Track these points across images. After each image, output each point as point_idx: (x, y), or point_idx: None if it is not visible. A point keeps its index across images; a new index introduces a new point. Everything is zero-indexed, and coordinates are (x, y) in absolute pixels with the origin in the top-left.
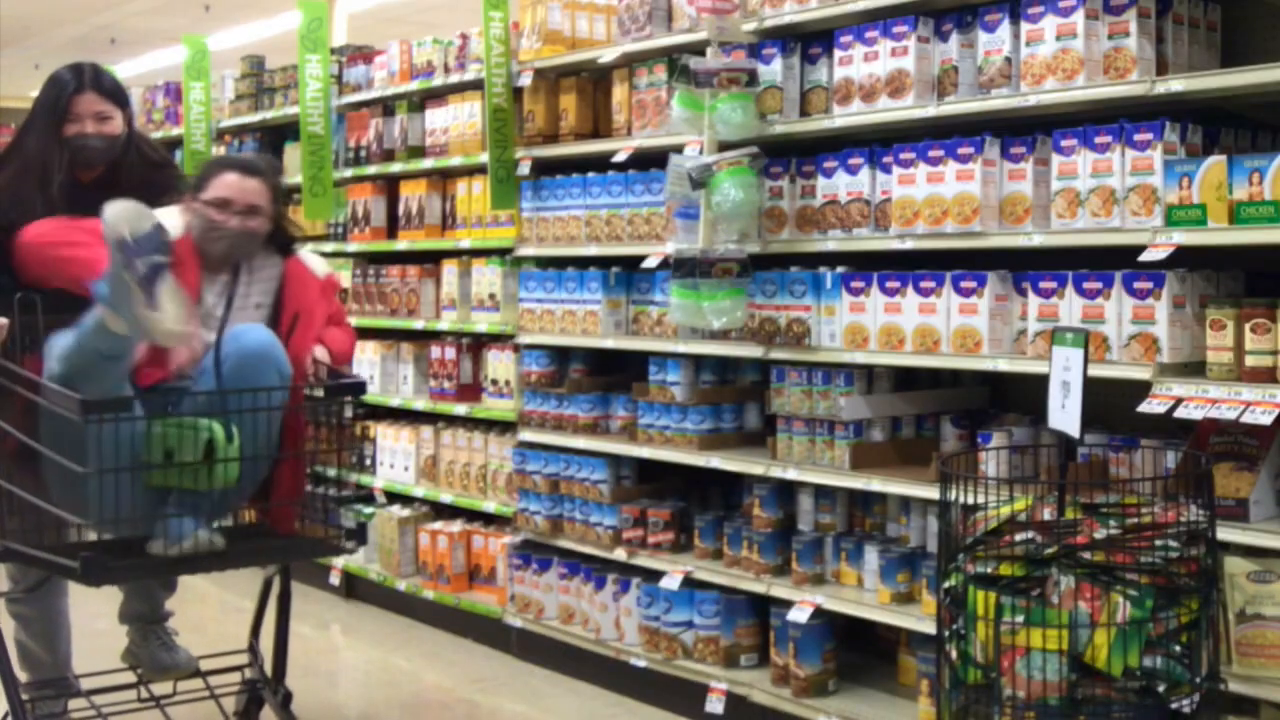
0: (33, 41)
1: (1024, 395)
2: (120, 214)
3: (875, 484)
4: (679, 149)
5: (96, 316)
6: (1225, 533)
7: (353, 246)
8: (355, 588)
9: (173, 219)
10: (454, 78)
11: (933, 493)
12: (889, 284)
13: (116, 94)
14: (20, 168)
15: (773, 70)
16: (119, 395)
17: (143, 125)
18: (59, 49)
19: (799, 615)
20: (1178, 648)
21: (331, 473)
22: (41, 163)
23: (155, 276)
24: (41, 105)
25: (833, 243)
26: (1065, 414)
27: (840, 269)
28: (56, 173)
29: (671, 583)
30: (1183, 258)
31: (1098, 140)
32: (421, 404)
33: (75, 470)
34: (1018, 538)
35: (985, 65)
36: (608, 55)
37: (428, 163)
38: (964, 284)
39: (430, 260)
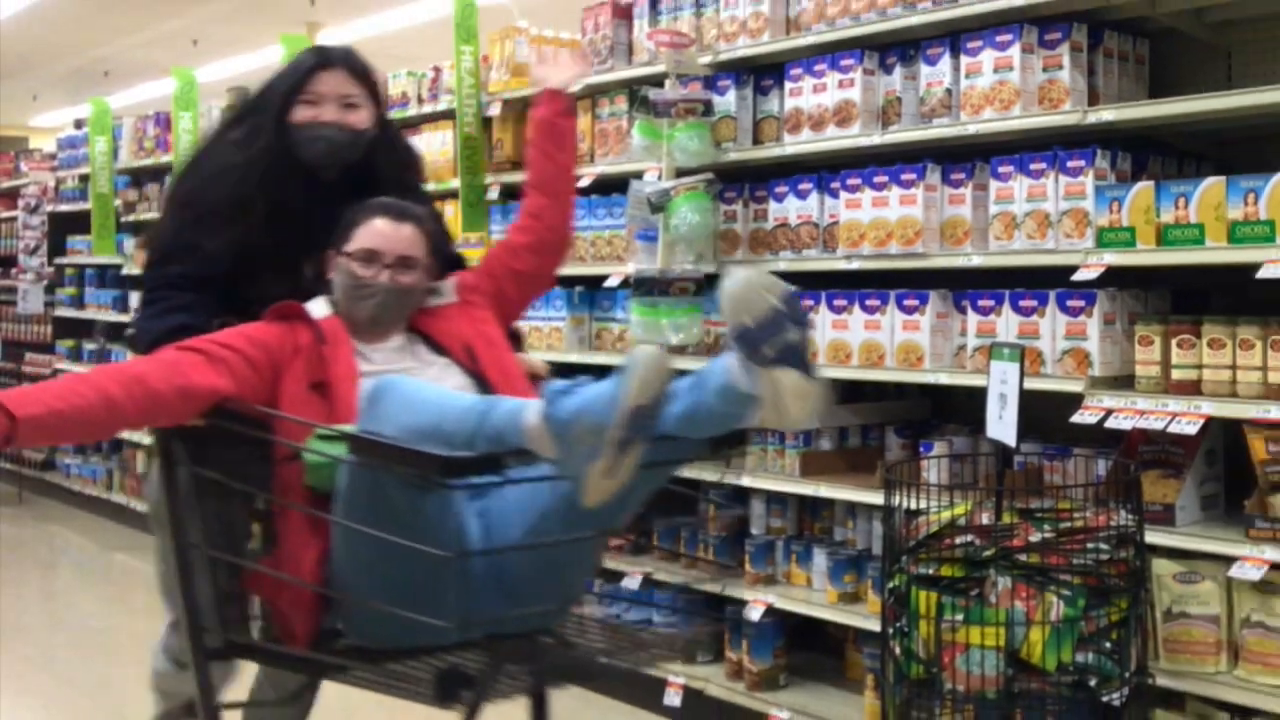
0: (31, 73)
1: (964, 407)
2: (739, 298)
3: (823, 490)
4: (639, 175)
5: (724, 371)
6: (1153, 536)
7: None
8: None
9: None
10: (427, 108)
11: (878, 498)
12: (836, 302)
13: (368, 80)
14: (215, 171)
15: (727, 101)
16: (485, 453)
17: (134, 153)
18: (56, 80)
19: (753, 613)
20: (1108, 644)
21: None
22: (246, 160)
23: (793, 357)
24: (270, 87)
25: (783, 263)
26: (1002, 424)
27: (792, 288)
28: (260, 170)
29: (631, 582)
30: (1113, 277)
31: (1033, 167)
32: None
33: (431, 555)
34: (958, 541)
35: (927, 96)
36: (573, 86)
37: None
38: (907, 302)
39: None
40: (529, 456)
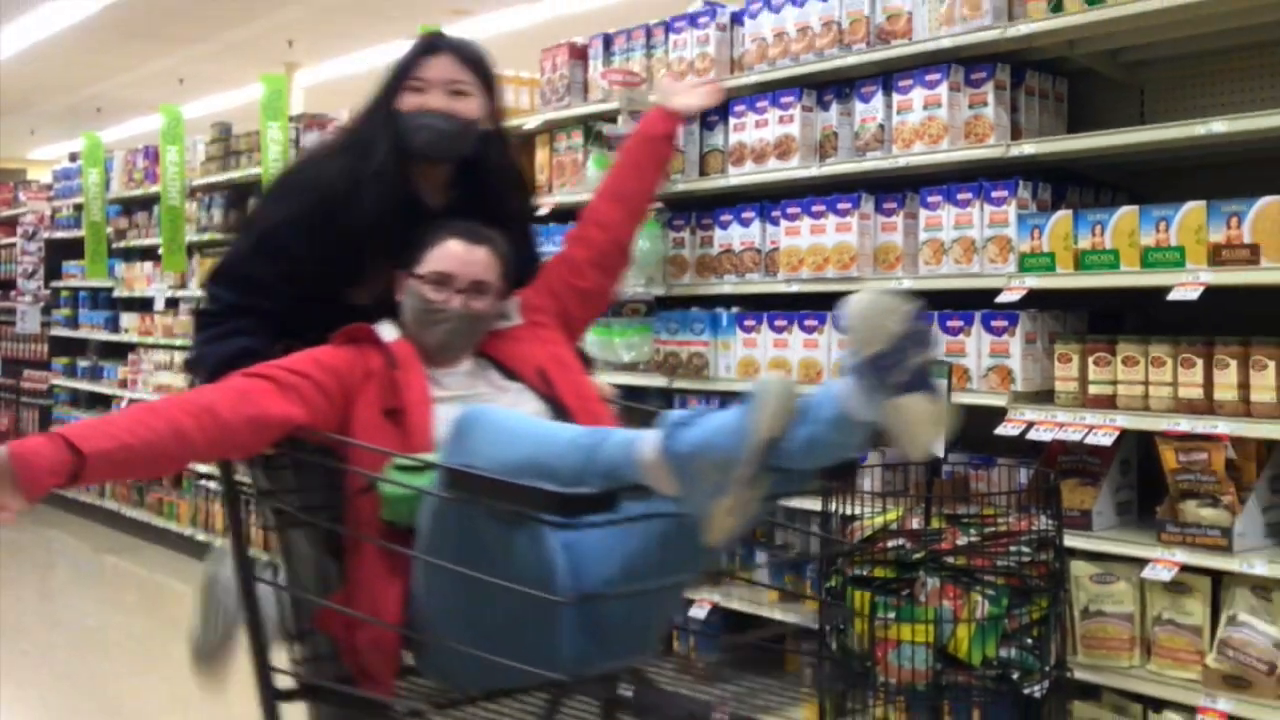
0: (29, 110)
1: None
2: (865, 324)
3: None
4: None
5: (838, 399)
6: (1071, 540)
7: None
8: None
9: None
10: None
11: (816, 504)
12: (777, 323)
13: (480, 68)
14: (335, 158)
15: (677, 135)
16: (602, 490)
17: (124, 183)
18: (52, 116)
19: (699, 612)
20: (1030, 640)
21: None
22: (364, 150)
23: (920, 381)
24: (382, 81)
25: (728, 286)
26: None
27: (735, 310)
28: (379, 163)
29: None
30: (1034, 299)
31: (960, 197)
32: None
33: (543, 599)
34: (890, 544)
35: (861, 131)
36: (531, 122)
37: None
38: None
39: None
40: (644, 493)
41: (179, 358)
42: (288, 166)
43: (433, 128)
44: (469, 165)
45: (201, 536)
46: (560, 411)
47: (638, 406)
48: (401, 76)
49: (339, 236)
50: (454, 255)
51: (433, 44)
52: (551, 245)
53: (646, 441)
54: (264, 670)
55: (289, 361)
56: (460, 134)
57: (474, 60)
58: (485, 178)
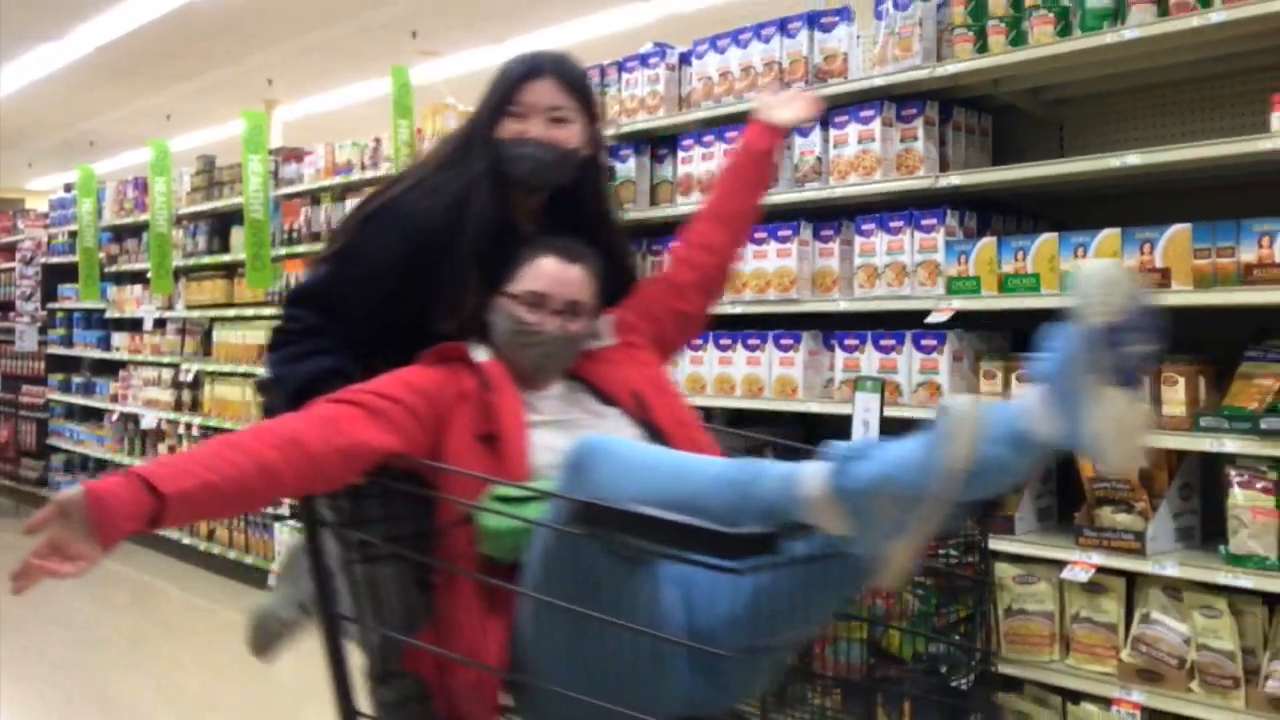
0: (27, 143)
1: (832, 432)
2: (1103, 287)
3: None
4: None
5: (1018, 416)
6: (996, 543)
7: None
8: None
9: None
10: (369, 173)
11: None
12: (722, 342)
13: (582, 90)
14: (431, 186)
15: (628, 168)
16: (766, 530)
17: (115, 212)
18: (48, 149)
19: None
20: (957, 636)
21: None
22: (464, 180)
23: (1132, 374)
24: (481, 104)
25: None
26: None
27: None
28: (480, 194)
29: None
30: (961, 320)
31: (892, 225)
32: None
33: (693, 648)
34: None
35: (800, 163)
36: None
37: None
38: (783, 342)
39: None
40: (807, 532)
41: (166, 374)
42: (381, 190)
43: (533, 158)
44: (564, 191)
45: (188, 540)
46: (657, 438)
47: (730, 431)
48: (502, 101)
49: (434, 266)
50: (549, 274)
51: (534, 67)
52: None
53: (810, 476)
54: (349, 714)
55: (378, 385)
56: (560, 163)
57: (575, 84)
58: (580, 203)
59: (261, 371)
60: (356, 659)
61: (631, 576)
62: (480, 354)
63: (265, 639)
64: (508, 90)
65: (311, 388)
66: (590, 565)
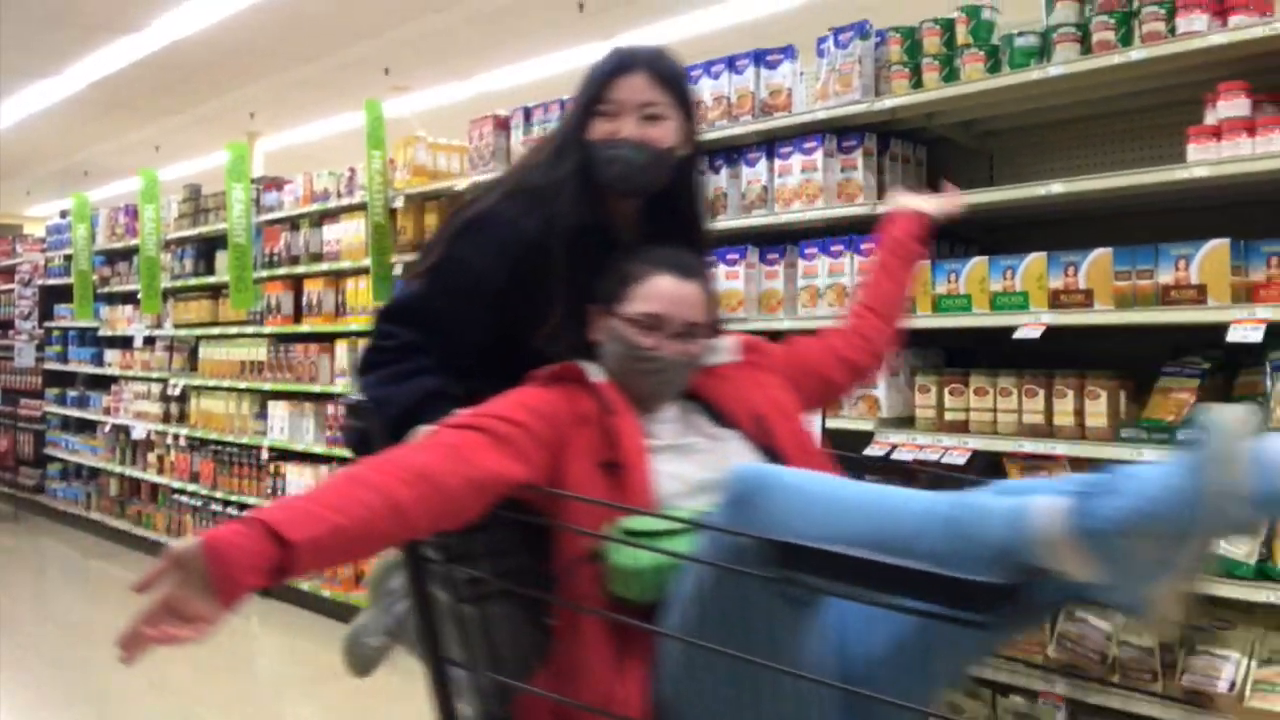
0: (25, 173)
1: None
2: (1232, 458)
3: None
4: None
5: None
6: None
7: (268, 329)
8: (270, 589)
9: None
10: (345, 201)
11: None
12: None
13: (677, 85)
14: (524, 193)
15: None
16: (1008, 580)
17: (108, 237)
18: (45, 178)
19: None
20: None
21: None
22: (553, 185)
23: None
24: (572, 103)
25: None
26: None
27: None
28: (570, 201)
29: None
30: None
31: (833, 249)
32: (320, 448)
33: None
34: None
35: (748, 191)
36: (461, 184)
37: (324, 266)
38: None
39: (327, 340)
40: (1042, 576)
41: (155, 389)
42: (473, 201)
43: (625, 160)
44: (662, 194)
45: (175, 543)
46: (777, 464)
47: (851, 456)
48: (591, 100)
49: (533, 278)
50: (665, 295)
51: (625, 62)
52: None
53: (1043, 514)
54: None
55: (497, 408)
56: (654, 165)
57: (669, 78)
58: (679, 206)
59: (239, 387)
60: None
61: (799, 620)
62: (595, 374)
63: (359, 663)
64: (598, 87)
65: (417, 411)
66: (760, 608)
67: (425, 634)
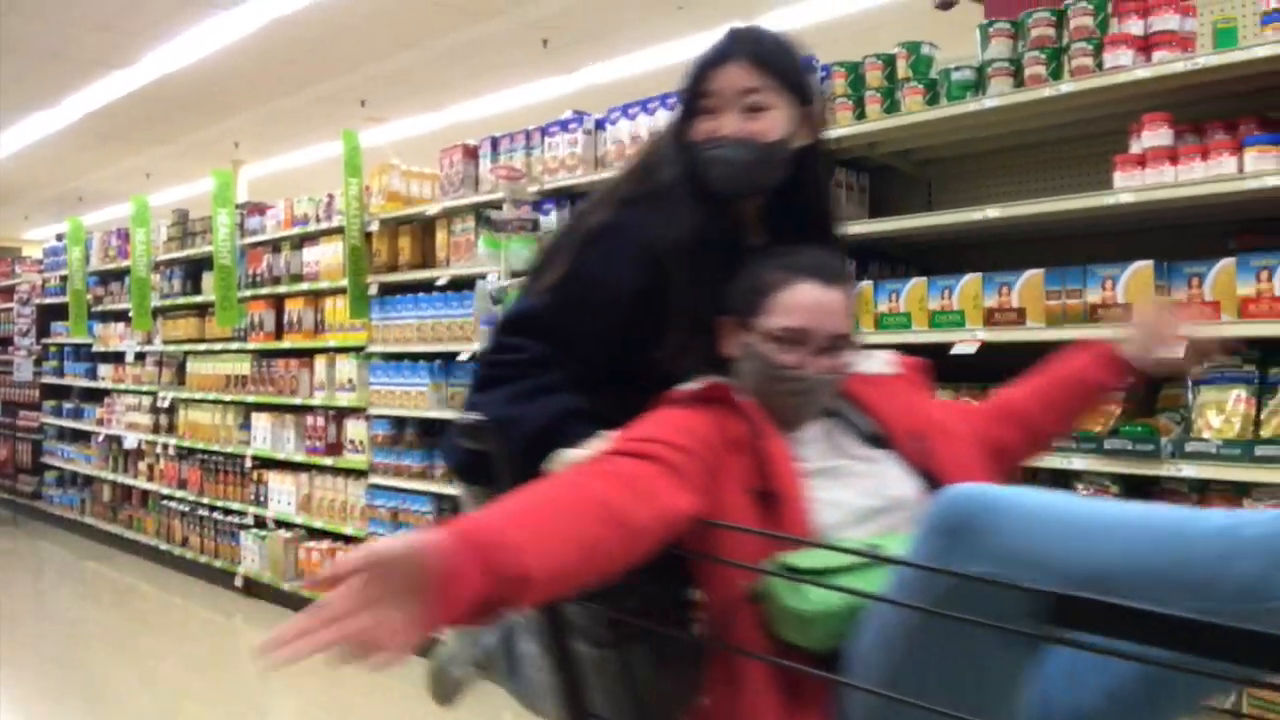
0: (24, 199)
1: None
2: None
3: None
4: (484, 276)
5: None
6: None
7: (251, 345)
8: (253, 588)
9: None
10: (323, 225)
11: None
12: None
13: (782, 68)
14: (643, 200)
15: (550, 219)
16: None
17: (101, 259)
18: (43, 204)
19: None
20: None
21: None
22: (666, 191)
23: None
24: (676, 101)
25: None
26: None
27: None
28: (682, 207)
29: None
30: None
31: None
32: (301, 457)
33: None
34: None
35: None
36: (432, 209)
37: (304, 286)
38: None
39: (307, 355)
40: None
41: (146, 401)
42: (591, 210)
43: (725, 160)
44: (783, 191)
45: (164, 546)
46: (936, 489)
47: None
48: (692, 95)
49: (657, 289)
50: (808, 305)
51: (723, 49)
52: (449, 309)
53: None
54: None
55: (659, 433)
56: (760, 162)
57: (772, 62)
58: (804, 203)
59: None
60: None
61: (1020, 671)
62: (741, 393)
63: (443, 692)
64: (696, 81)
65: (553, 432)
66: (977, 657)
67: (567, 690)
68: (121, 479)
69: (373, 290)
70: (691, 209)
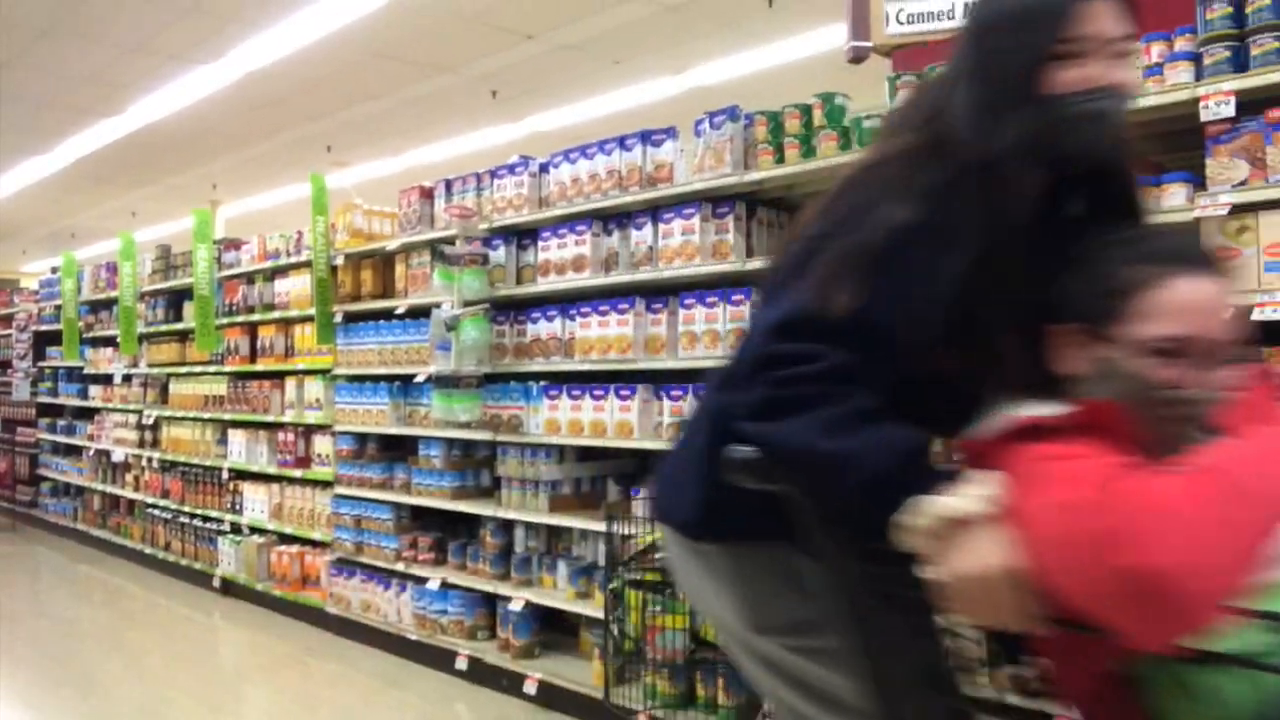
0: (22, 235)
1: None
2: None
3: (565, 521)
4: (438, 305)
5: None
6: None
7: (228, 368)
8: (230, 588)
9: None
10: (294, 258)
11: (602, 526)
12: (574, 393)
13: (1136, 13)
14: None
15: (499, 254)
16: None
17: (92, 290)
18: (39, 240)
19: (515, 606)
20: None
21: None
22: (995, 162)
23: None
24: (1001, 48)
25: (537, 366)
26: None
27: (542, 383)
28: (1026, 185)
29: (434, 585)
30: None
31: (709, 300)
32: (272, 470)
33: None
34: (656, 556)
35: (636, 251)
36: (392, 244)
37: (276, 314)
38: (622, 393)
39: (278, 377)
40: None
41: (132, 419)
42: (877, 201)
43: (1107, 114)
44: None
45: (149, 550)
46: None
47: None
48: (1049, 36)
49: (981, 290)
50: (1194, 306)
51: None
52: (407, 335)
53: None
54: None
55: (1110, 468)
56: (1124, 121)
57: (1132, 7)
58: (1120, 176)
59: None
60: None
61: None
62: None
63: None
64: (1058, 19)
65: (902, 477)
66: None
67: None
68: (110, 489)
69: (338, 318)
70: (1031, 183)
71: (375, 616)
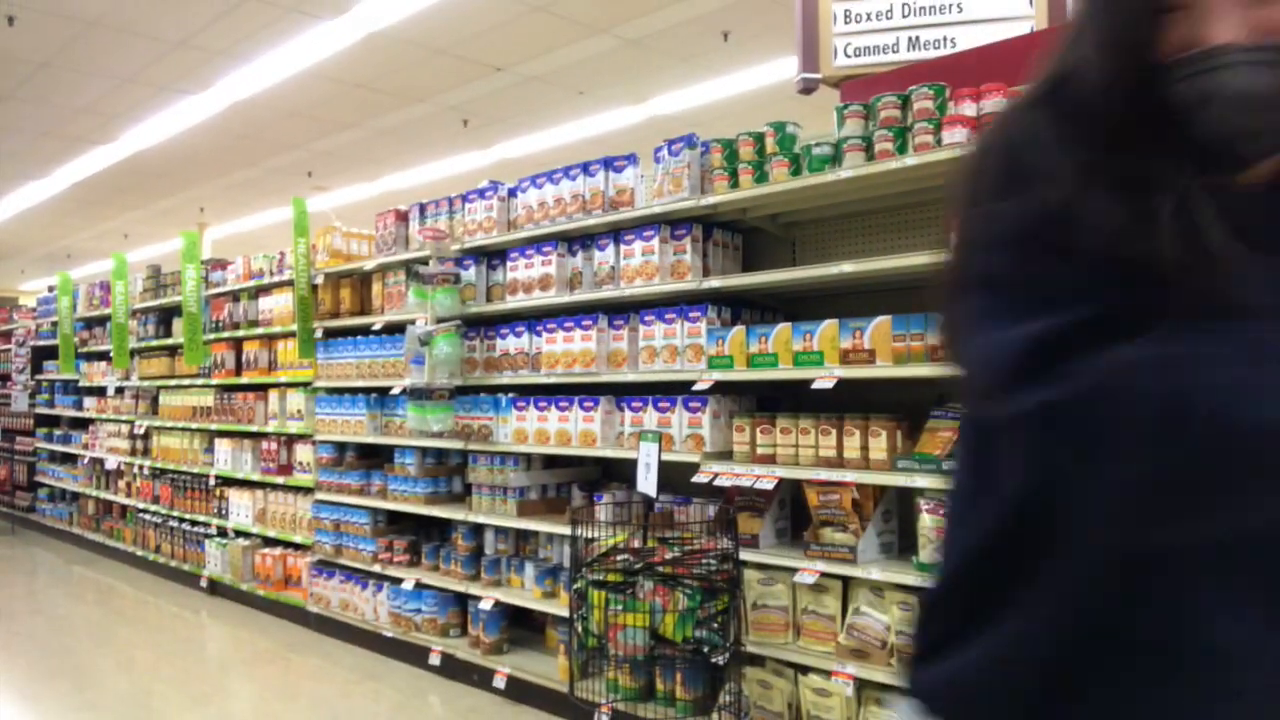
0: (20, 256)
1: (622, 472)
2: None
3: (532, 525)
4: (413, 321)
5: None
6: (744, 554)
7: (215, 381)
8: (216, 588)
9: None
10: (277, 278)
11: (566, 530)
12: (540, 404)
13: None
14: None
15: (470, 274)
16: None
17: (86, 307)
18: (36, 260)
19: (485, 605)
20: (716, 625)
21: None
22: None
23: None
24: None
25: (506, 379)
26: (647, 483)
27: (511, 395)
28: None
29: (408, 585)
30: (719, 388)
31: (667, 317)
32: (257, 477)
33: None
34: (618, 558)
35: (599, 270)
36: (369, 264)
37: (260, 330)
38: (586, 404)
39: (262, 389)
40: None
41: (124, 429)
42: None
43: (1252, 93)
44: None
45: (140, 553)
46: None
47: None
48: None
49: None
50: None
51: None
52: (383, 349)
53: None
54: None
55: None
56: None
57: None
58: None
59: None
60: None
61: None
62: None
63: None
64: None
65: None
66: None
67: None
68: (104, 495)
69: (318, 334)
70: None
71: (353, 615)
